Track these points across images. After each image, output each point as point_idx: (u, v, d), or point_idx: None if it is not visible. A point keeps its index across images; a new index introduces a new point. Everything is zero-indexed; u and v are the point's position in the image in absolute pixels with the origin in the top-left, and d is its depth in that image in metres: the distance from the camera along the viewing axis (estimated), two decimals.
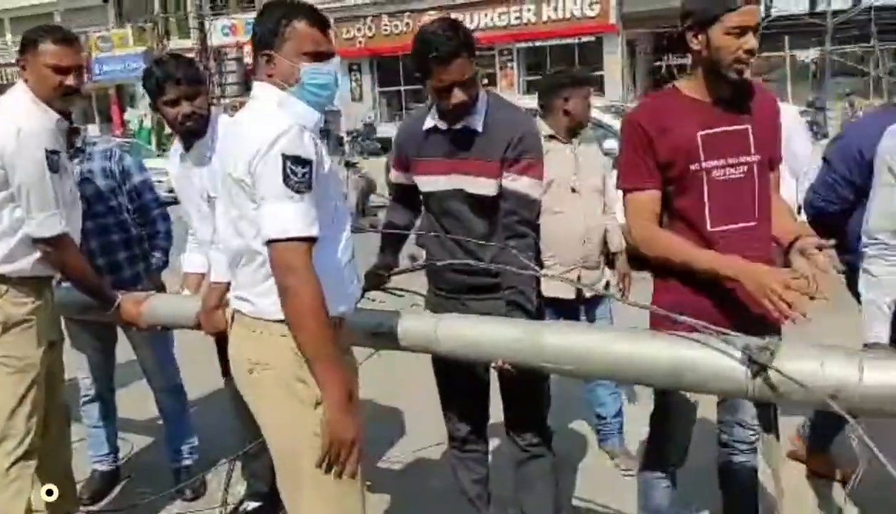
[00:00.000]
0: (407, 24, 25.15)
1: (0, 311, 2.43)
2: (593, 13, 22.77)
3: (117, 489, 3.42)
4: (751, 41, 1.96)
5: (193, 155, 2.67)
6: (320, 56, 1.84)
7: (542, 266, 2.46)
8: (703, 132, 2.06)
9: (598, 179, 3.27)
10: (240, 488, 3.12)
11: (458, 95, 2.19)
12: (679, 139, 2.06)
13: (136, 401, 3.73)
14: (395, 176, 2.55)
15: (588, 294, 3.15)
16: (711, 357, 1.78)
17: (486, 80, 25.56)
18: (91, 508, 3.23)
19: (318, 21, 1.85)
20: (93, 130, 25.93)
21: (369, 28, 25.92)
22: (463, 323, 2.15)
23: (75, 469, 3.21)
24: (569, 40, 23.55)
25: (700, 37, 2.00)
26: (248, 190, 1.76)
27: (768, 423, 2.29)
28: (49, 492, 2.52)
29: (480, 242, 2.28)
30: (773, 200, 2.18)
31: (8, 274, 2.44)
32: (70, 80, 2.46)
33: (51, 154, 2.39)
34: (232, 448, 2.91)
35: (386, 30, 25.64)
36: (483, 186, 2.27)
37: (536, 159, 2.28)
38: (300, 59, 1.81)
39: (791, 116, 3.47)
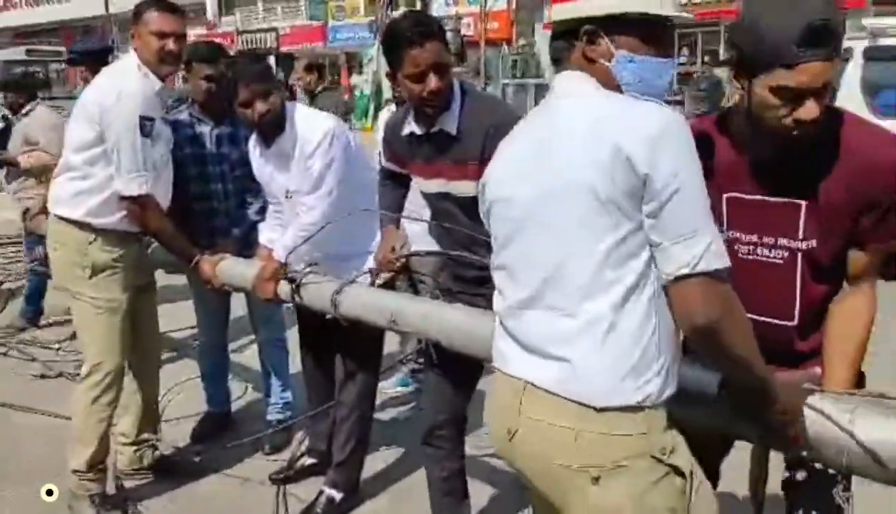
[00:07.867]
0: None
1: (89, 257, 2.76)
2: None
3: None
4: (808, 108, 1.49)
5: (274, 152, 2.78)
6: None
7: None
8: (730, 194, 1.69)
9: None
10: (304, 445, 3.29)
11: (432, 81, 2.12)
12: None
13: (248, 356, 4.03)
14: (387, 163, 2.58)
15: None
16: None
17: (706, 58, 23.99)
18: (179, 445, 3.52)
19: None
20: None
21: None
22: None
23: (189, 409, 3.67)
24: None
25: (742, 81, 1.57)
26: None
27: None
28: (49, 492, 2.77)
29: (475, 235, 2.14)
30: (850, 304, 1.66)
31: (97, 226, 2.75)
32: (170, 46, 2.68)
33: (145, 120, 2.62)
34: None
35: None
36: (465, 188, 2.22)
37: None
38: None
39: None
